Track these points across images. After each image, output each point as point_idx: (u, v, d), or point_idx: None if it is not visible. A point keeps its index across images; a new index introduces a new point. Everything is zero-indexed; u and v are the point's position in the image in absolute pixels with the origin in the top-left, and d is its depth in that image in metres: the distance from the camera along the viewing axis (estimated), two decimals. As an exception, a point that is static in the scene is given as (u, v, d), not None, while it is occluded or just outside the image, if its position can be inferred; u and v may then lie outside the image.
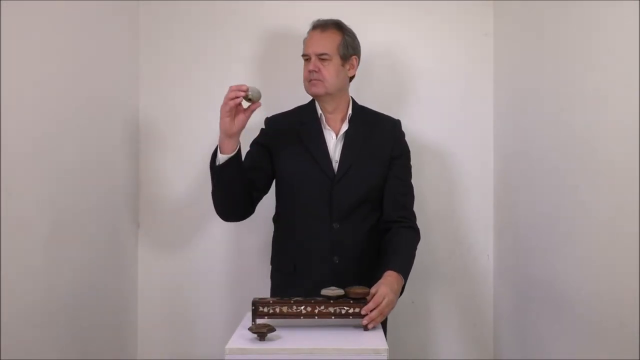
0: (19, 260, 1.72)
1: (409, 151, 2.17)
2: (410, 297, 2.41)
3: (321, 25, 2.08)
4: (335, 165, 2.06)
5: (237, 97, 1.83)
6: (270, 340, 1.64)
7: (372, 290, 1.79)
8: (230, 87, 1.85)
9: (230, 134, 1.88)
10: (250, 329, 1.65)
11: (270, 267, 2.18)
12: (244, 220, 2.14)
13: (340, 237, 2.03)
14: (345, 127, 2.10)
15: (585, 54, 1.78)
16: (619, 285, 1.59)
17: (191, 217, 2.55)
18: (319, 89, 2.05)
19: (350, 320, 1.77)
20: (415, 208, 2.14)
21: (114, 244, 2.36)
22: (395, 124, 2.17)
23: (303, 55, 2.09)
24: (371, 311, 1.76)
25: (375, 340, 1.67)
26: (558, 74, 1.96)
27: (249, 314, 1.80)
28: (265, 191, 2.13)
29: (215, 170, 1.94)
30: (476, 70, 2.55)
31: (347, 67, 2.09)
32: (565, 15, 1.91)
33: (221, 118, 1.86)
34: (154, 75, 2.55)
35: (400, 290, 1.91)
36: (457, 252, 2.57)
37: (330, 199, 2.03)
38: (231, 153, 1.91)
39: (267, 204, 2.17)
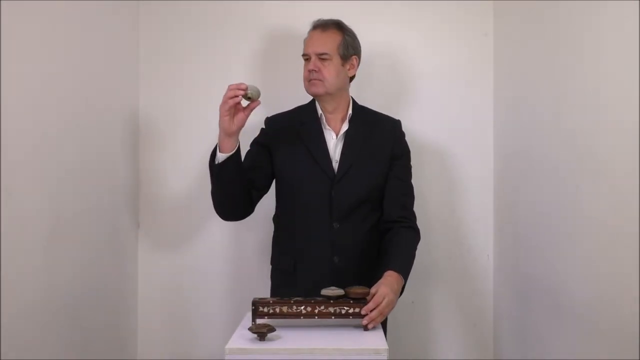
0: (19, 260, 1.72)
1: (409, 151, 2.17)
2: (410, 297, 2.41)
3: (321, 25, 2.09)
4: (336, 165, 2.06)
5: (237, 96, 1.83)
6: (270, 340, 1.64)
7: (372, 290, 1.79)
8: (229, 85, 1.85)
9: (229, 132, 1.88)
10: (250, 329, 1.65)
11: (270, 267, 2.18)
12: (244, 220, 2.14)
13: (340, 237, 2.03)
14: (345, 127, 2.10)
15: (586, 54, 1.78)
16: (619, 285, 1.59)
17: (191, 217, 2.55)
18: (318, 89, 2.05)
19: (350, 320, 1.77)
20: (415, 208, 2.14)
21: (114, 244, 2.36)
22: (396, 124, 2.17)
23: (303, 55, 2.09)
24: (371, 311, 1.76)
25: (375, 340, 1.67)
26: (558, 74, 1.96)
27: (249, 314, 1.80)
28: (264, 191, 2.13)
29: (215, 169, 1.94)
30: (476, 70, 2.55)
31: (347, 67, 2.09)
32: (565, 15, 1.91)
33: (220, 117, 1.86)
34: (154, 75, 2.55)
35: (401, 290, 1.91)
36: (457, 252, 2.57)
37: (330, 199, 2.03)
38: (230, 152, 1.91)
39: (267, 204, 2.17)
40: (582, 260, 1.78)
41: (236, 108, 1.87)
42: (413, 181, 2.17)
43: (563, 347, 1.90)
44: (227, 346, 1.61)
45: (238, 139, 1.93)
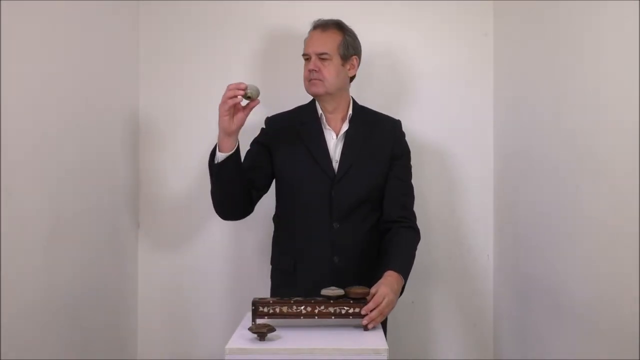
0: (19, 260, 1.72)
1: (409, 151, 2.17)
2: (410, 297, 2.41)
3: (322, 25, 2.09)
4: (336, 165, 2.06)
5: (236, 96, 1.83)
6: (270, 340, 1.64)
7: (372, 290, 1.79)
8: (229, 85, 1.85)
9: (229, 132, 1.88)
10: (250, 329, 1.65)
11: (270, 267, 2.18)
12: (244, 220, 2.14)
13: (340, 237, 2.03)
14: (345, 127, 2.10)
15: (586, 53, 1.78)
16: (619, 285, 1.59)
17: (191, 217, 2.55)
18: (318, 89, 2.05)
19: (350, 320, 1.77)
20: (415, 208, 2.14)
21: (114, 244, 2.36)
22: (396, 124, 2.17)
23: (303, 55, 2.10)
24: (371, 311, 1.76)
25: (375, 340, 1.67)
26: (558, 74, 1.96)
27: (249, 314, 1.80)
28: (264, 190, 2.13)
29: (214, 168, 1.94)
30: (476, 70, 2.55)
31: (348, 67, 2.09)
32: (565, 15, 1.91)
33: (220, 117, 1.86)
34: (154, 75, 2.55)
35: (401, 290, 1.91)
36: (457, 252, 2.57)
37: (330, 199, 2.03)
38: (230, 151, 1.91)
39: (267, 204, 2.17)
40: (582, 260, 1.78)
41: (235, 108, 1.87)
42: (413, 181, 2.17)
43: (563, 347, 1.90)
44: (227, 346, 1.61)
45: (237, 139, 1.93)
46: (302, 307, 1.75)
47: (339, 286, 1.79)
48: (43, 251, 1.85)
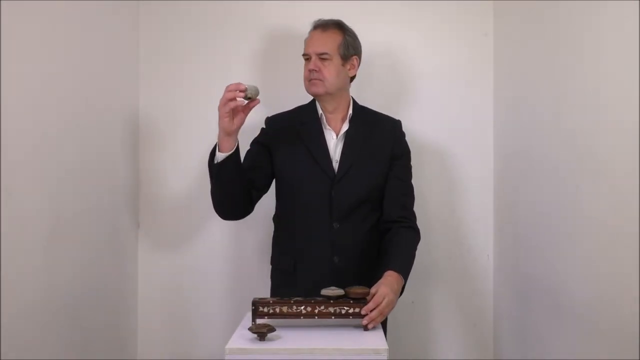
0: (19, 260, 1.72)
1: (409, 151, 2.17)
2: (410, 297, 2.41)
3: (322, 25, 2.09)
4: (336, 165, 2.06)
5: (237, 98, 1.83)
6: (270, 340, 1.64)
7: (372, 290, 1.79)
8: (228, 86, 1.84)
9: (229, 132, 1.88)
10: (250, 329, 1.65)
11: (270, 267, 2.18)
12: (244, 220, 2.14)
13: (340, 237, 2.03)
14: (345, 127, 2.10)
15: (586, 54, 1.78)
16: (619, 285, 1.59)
17: (191, 216, 2.55)
18: (319, 89, 2.05)
19: (350, 320, 1.77)
20: (415, 208, 2.14)
21: (114, 244, 2.36)
22: (396, 124, 2.17)
23: (304, 55, 2.10)
24: (371, 311, 1.76)
25: (375, 340, 1.67)
26: (558, 74, 1.96)
27: (249, 314, 1.80)
28: (264, 190, 2.13)
29: (214, 168, 1.94)
30: (476, 70, 2.55)
31: (348, 67, 2.09)
32: (565, 15, 1.91)
33: (220, 118, 1.86)
34: (154, 75, 2.55)
35: (401, 290, 1.91)
36: (457, 252, 2.57)
37: (330, 198, 2.03)
38: (230, 151, 1.91)
39: (267, 204, 2.17)
40: (582, 260, 1.78)
41: (236, 108, 1.87)
42: (413, 181, 2.17)
43: (563, 347, 1.90)
44: (227, 346, 1.61)
45: (237, 138, 1.93)
46: (302, 307, 1.75)
47: (339, 286, 1.79)
48: (43, 251, 1.85)
